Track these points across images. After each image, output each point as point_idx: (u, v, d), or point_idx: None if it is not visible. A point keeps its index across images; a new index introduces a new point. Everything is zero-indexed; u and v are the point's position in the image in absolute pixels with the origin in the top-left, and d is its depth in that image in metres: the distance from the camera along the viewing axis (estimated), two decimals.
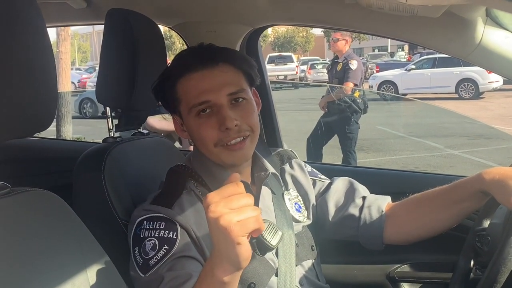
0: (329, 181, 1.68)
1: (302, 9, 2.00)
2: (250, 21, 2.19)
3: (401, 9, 1.58)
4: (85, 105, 16.79)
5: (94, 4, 2.08)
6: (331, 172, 1.81)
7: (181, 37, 2.28)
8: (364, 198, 1.62)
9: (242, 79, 1.41)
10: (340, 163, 6.11)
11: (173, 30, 2.26)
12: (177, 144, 4.54)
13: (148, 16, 1.78)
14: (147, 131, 1.91)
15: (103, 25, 1.72)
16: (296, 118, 11.46)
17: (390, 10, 1.65)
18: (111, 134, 1.76)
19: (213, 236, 1.01)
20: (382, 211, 1.58)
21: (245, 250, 0.98)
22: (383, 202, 1.60)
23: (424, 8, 1.54)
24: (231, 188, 0.99)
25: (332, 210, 1.61)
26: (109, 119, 1.78)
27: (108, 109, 1.77)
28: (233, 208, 0.97)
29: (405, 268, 1.95)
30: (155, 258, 1.27)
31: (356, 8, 1.77)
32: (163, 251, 1.27)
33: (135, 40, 1.65)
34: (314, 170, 1.71)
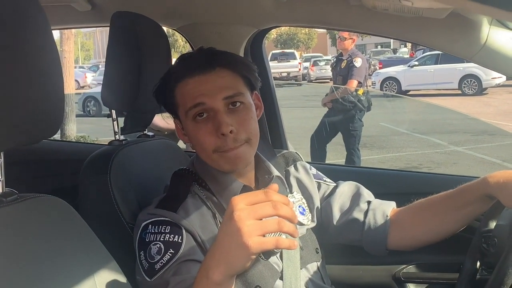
0: (334, 184, 1.68)
1: (306, 10, 2.00)
2: (254, 23, 2.18)
3: (406, 10, 1.58)
4: (88, 104, 16.78)
5: (99, 6, 2.08)
6: (334, 172, 1.81)
7: (186, 39, 2.28)
8: (369, 202, 1.62)
9: (240, 83, 1.40)
10: (343, 160, 6.12)
11: (177, 31, 2.25)
12: (180, 143, 4.55)
13: (152, 18, 1.78)
14: (152, 133, 1.91)
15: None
16: (299, 115, 11.45)
17: (395, 11, 1.65)
18: (117, 137, 1.76)
19: (222, 239, 1.01)
20: (387, 216, 1.57)
21: (251, 262, 0.99)
22: (388, 208, 1.60)
23: (429, 10, 1.53)
24: (258, 195, 0.98)
25: (336, 214, 1.61)
26: (115, 122, 1.78)
27: (113, 111, 1.77)
28: (257, 218, 0.96)
29: (411, 268, 1.95)
30: (161, 262, 1.27)
31: (361, 9, 1.76)
32: (168, 255, 1.27)
33: (140, 42, 1.66)
34: (319, 172, 1.71)
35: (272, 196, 0.98)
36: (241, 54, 2.22)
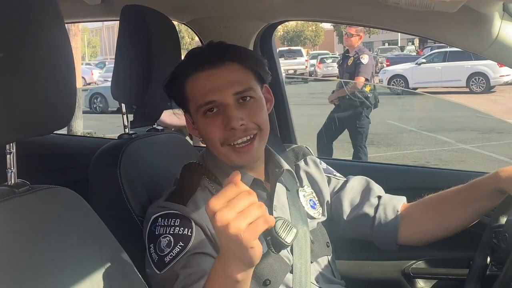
0: (345, 179, 1.68)
1: (316, 4, 1.99)
2: (264, 17, 2.18)
3: (418, 4, 1.57)
4: (95, 100, 16.83)
5: (109, 0, 2.08)
6: (343, 167, 1.80)
7: (195, 33, 2.27)
8: (379, 197, 1.62)
9: (250, 77, 1.40)
10: (350, 157, 6.10)
11: (187, 26, 2.25)
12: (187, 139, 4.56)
13: (162, 12, 1.78)
14: (161, 127, 1.91)
15: (115, 21, 1.71)
16: (306, 113, 11.42)
17: (406, 5, 1.63)
18: (127, 130, 1.76)
19: (223, 242, 1.00)
20: (397, 211, 1.57)
21: (258, 250, 0.97)
22: (399, 203, 1.60)
23: (441, 3, 1.52)
24: (232, 190, 0.96)
25: (347, 208, 1.61)
26: (124, 116, 1.78)
27: (123, 105, 1.77)
28: (239, 211, 0.94)
29: (421, 264, 1.94)
30: (170, 255, 1.27)
31: (371, 3, 1.75)
32: (178, 248, 1.28)
33: (150, 36, 1.65)
34: (329, 167, 1.71)
35: (243, 186, 0.97)
36: (251, 48, 2.21)
